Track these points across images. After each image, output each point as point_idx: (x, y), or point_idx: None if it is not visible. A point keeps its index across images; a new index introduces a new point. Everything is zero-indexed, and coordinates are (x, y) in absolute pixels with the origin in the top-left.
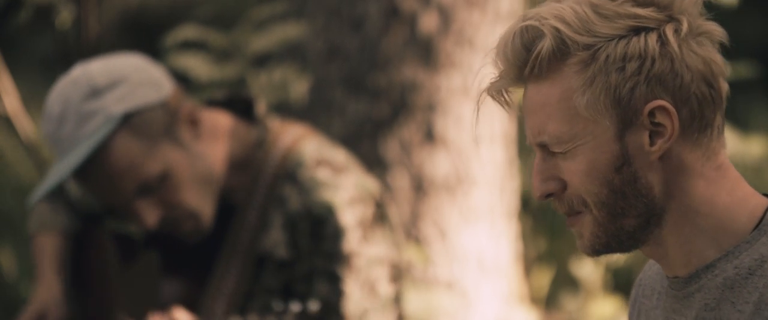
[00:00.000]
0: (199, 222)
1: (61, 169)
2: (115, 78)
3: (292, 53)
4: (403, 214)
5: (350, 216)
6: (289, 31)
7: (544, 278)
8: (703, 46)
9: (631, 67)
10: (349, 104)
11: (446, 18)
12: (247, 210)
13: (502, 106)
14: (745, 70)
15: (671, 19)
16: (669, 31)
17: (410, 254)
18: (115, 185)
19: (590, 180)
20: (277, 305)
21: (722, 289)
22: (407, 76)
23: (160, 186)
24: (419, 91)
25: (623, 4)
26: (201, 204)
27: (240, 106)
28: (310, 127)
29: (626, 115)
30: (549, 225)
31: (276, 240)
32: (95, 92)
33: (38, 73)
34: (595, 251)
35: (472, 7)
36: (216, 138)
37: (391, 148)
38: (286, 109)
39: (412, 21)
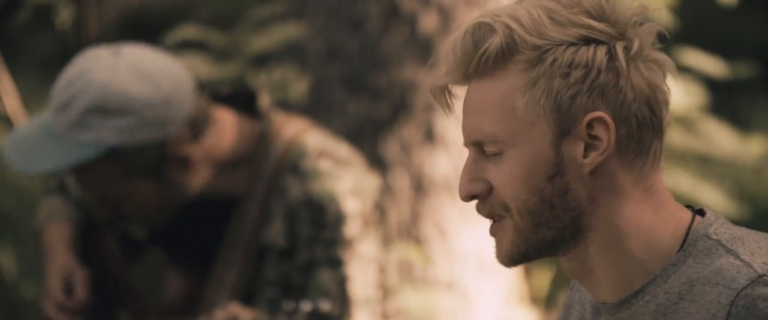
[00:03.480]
0: (146, 227)
1: (35, 163)
2: (124, 108)
3: (292, 53)
4: (403, 214)
5: (352, 204)
6: (289, 31)
7: (544, 278)
8: (651, 71)
9: (576, 74)
10: (349, 104)
11: (446, 18)
12: (249, 203)
13: (442, 107)
14: (745, 70)
15: (623, 37)
16: (619, 47)
17: (410, 254)
18: (80, 187)
19: (520, 186)
20: (287, 304)
21: (655, 316)
22: (407, 76)
23: (119, 202)
24: (419, 91)
25: (578, 14)
26: (154, 219)
27: (243, 99)
28: (312, 122)
29: (564, 123)
30: None
31: (277, 230)
32: (101, 110)
33: (38, 73)
34: (512, 260)
35: (472, 7)
36: (219, 135)
37: (391, 148)
38: (286, 110)
39: (412, 21)
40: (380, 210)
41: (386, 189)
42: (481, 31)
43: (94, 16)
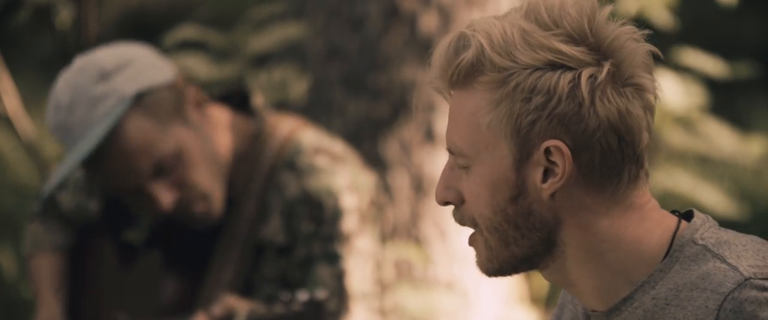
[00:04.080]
0: (210, 204)
1: (76, 153)
2: (123, 61)
3: (292, 53)
4: (403, 214)
5: (349, 200)
6: (289, 31)
7: (544, 278)
8: (623, 97)
9: (537, 100)
10: (349, 104)
11: (446, 18)
12: (246, 201)
13: (446, 100)
14: (745, 70)
15: (596, 63)
16: (584, 75)
17: (410, 254)
18: (132, 166)
19: (484, 204)
20: (284, 295)
21: None
22: (407, 76)
23: (174, 166)
24: (419, 91)
25: (552, 37)
26: (212, 185)
27: (236, 99)
28: (306, 120)
29: (523, 147)
30: None
31: (275, 227)
32: (104, 75)
33: (38, 73)
34: (489, 273)
35: (472, 7)
36: (218, 130)
37: (391, 148)
38: (286, 109)
39: (412, 21)
40: (377, 207)
41: (386, 189)
42: (460, 42)
43: (94, 16)
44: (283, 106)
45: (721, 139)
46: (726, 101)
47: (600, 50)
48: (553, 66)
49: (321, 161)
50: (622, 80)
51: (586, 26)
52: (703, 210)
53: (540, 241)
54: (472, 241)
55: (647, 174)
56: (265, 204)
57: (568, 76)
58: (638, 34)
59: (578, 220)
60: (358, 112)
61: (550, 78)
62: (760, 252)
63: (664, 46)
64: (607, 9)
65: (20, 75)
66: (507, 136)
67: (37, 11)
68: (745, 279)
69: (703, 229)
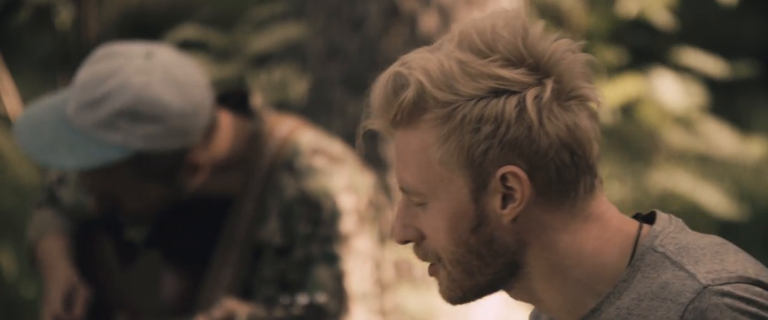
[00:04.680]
0: (138, 222)
1: (55, 158)
2: (157, 115)
3: (292, 53)
4: None
5: (347, 200)
6: (289, 31)
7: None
8: (569, 112)
9: (486, 129)
10: (349, 104)
11: (446, 18)
12: (244, 202)
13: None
14: (745, 70)
15: (539, 83)
16: (529, 97)
17: (409, 254)
18: (83, 181)
19: (446, 238)
20: (284, 298)
21: None
22: None
23: (120, 199)
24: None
25: (490, 64)
26: (148, 214)
27: (235, 100)
28: (305, 120)
29: (479, 177)
30: None
31: (273, 228)
32: (132, 114)
33: (38, 73)
34: (452, 301)
35: (472, 7)
36: (213, 161)
37: (391, 148)
38: (286, 109)
39: (412, 21)
40: (375, 207)
41: (386, 190)
42: (397, 81)
43: (94, 16)
44: (283, 106)
45: (721, 139)
46: (726, 101)
47: (539, 69)
48: (497, 92)
49: (319, 162)
50: (565, 95)
51: (522, 46)
52: (703, 211)
53: (504, 266)
54: (433, 272)
55: (601, 182)
56: (263, 205)
57: (513, 100)
58: (574, 45)
59: (540, 240)
60: (358, 112)
61: (496, 105)
62: (718, 255)
63: (664, 46)
64: (539, 24)
65: (20, 75)
66: (460, 169)
67: (37, 11)
68: (704, 287)
69: (663, 235)
